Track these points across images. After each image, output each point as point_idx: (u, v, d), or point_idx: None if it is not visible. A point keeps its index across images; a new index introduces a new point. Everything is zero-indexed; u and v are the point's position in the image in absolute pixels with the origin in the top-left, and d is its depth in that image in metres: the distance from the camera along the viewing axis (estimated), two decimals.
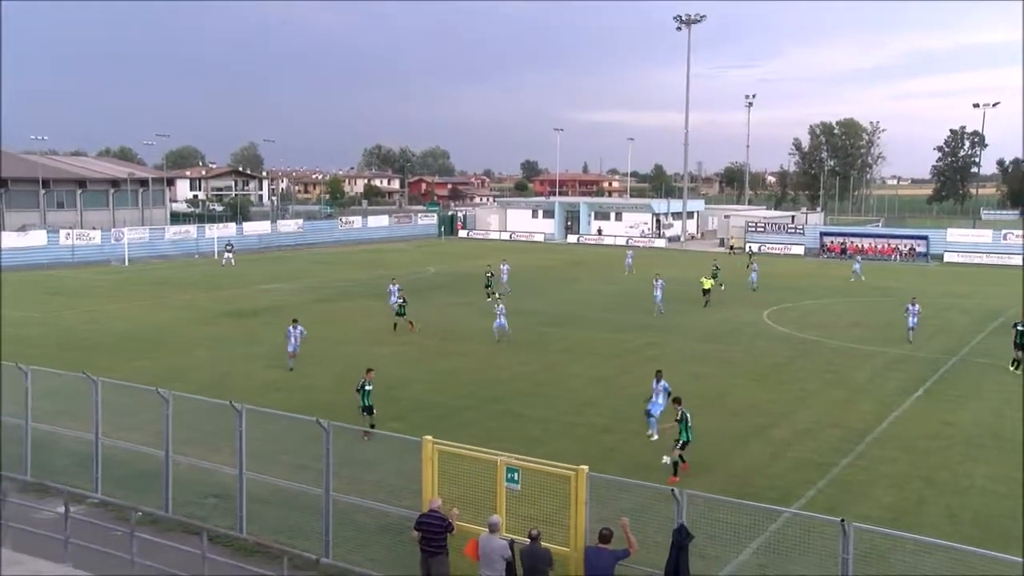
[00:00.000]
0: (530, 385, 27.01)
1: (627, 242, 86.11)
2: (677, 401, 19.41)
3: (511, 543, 12.25)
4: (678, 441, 18.75)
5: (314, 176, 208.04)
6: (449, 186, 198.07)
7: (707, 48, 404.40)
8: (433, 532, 12.61)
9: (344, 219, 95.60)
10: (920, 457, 20.16)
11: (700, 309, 42.89)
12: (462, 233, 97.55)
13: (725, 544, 13.70)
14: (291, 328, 29.02)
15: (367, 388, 21.24)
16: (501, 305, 34.47)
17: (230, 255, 65.34)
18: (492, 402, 24.91)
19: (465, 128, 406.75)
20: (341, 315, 40.29)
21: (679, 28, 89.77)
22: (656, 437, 20.39)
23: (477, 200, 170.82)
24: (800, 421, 23.23)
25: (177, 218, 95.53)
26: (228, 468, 16.30)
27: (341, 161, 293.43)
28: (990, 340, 35.34)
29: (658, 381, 21.64)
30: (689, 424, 18.84)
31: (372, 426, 20.02)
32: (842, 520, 10.84)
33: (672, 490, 12.08)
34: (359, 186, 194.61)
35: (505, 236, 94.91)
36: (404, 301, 36.61)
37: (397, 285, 39.55)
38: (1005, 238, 72.35)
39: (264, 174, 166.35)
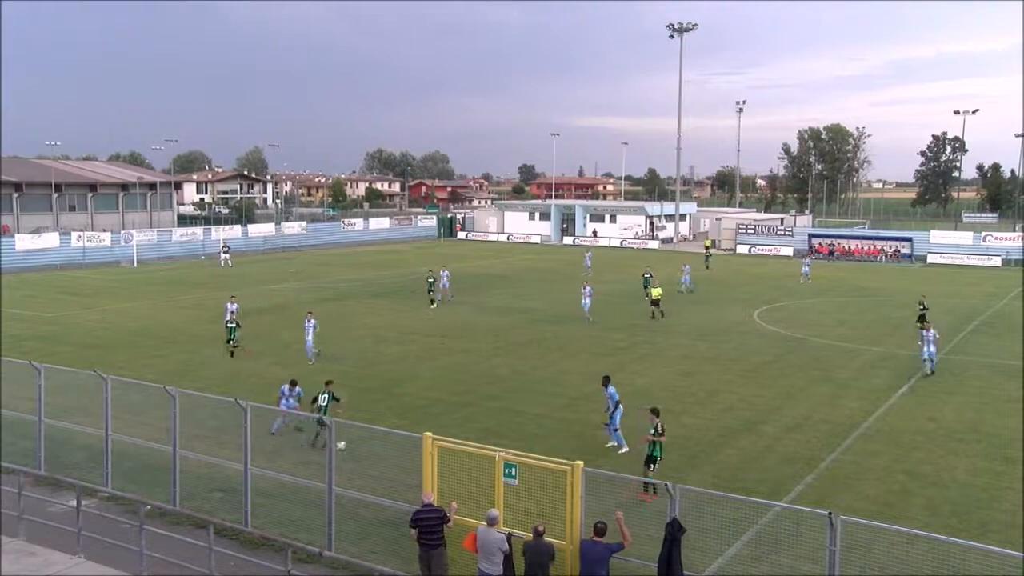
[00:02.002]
0: (527, 382, 27.22)
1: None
2: (655, 412, 17.83)
3: (509, 536, 12.40)
4: (655, 458, 17.46)
5: (317, 179, 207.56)
6: (449, 189, 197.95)
7: (698, 56, 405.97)
8: (431, 526, 12.75)
9: (346, 221, 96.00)
10: (904, 451, 20.48)
11: (691, 308, 42.76)
12: (461, 235, 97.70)
13: (717, 537, 13.99)
14: (285, 388, 21.22)
15: (324, 403, 20.01)
16: (313, 320, 30.52)
17: (227, 255, 65.62)
18: (490, 399, 25.10)
19: (465, 133, 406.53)
20: (345, 313, 40.54)
21: (672, 36, 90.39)
22: (627, 449, 19.44)
23: (476, 203, 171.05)
24: (789, 417, 23.48)
25: (184, 220, 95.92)
26: (234, 463, 16.60)
27: (343, 165, 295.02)
28: (970, 339, 35.84)
29: (606, 387, 20.39)
30: (661, 441, 17.56)
31: (318, 435, 19.32)
32: (829, 513, 11.03)
33: (666, 484, 12.18)
34: (361, 189, 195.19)
35: (503, 238, 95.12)
36: (237, 325, 31.55)
37: (235, 304, 34.10)
38: (985, 240, 73.47)
39: (269, 178, 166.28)
